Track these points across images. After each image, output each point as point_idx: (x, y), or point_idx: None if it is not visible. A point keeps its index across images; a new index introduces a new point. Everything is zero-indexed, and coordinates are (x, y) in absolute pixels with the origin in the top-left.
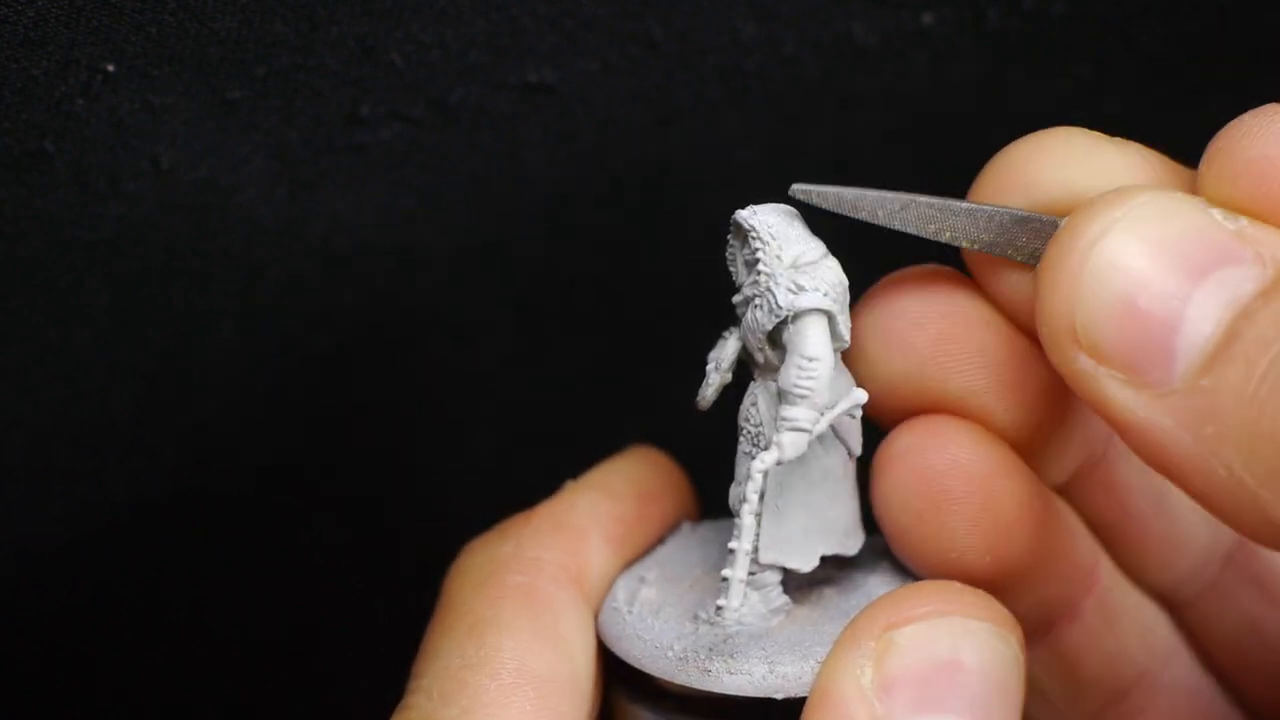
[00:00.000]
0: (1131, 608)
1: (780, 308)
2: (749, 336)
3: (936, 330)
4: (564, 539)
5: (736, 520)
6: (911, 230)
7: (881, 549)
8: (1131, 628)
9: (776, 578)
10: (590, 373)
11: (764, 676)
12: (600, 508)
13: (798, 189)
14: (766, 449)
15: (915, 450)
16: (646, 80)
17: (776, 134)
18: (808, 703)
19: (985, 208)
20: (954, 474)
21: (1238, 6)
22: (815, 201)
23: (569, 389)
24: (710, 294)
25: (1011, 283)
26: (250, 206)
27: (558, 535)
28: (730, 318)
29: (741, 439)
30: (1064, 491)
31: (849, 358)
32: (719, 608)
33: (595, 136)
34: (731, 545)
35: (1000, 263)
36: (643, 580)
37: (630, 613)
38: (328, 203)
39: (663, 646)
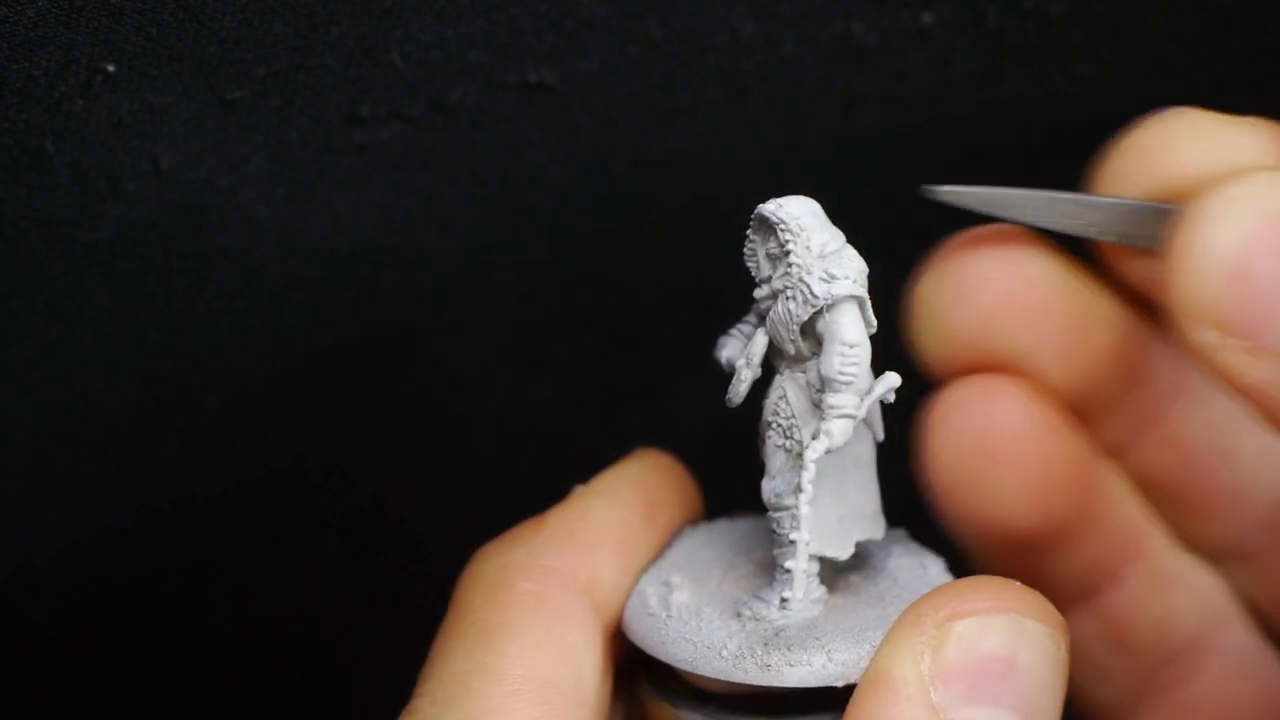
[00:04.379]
0: (1182, 573)
1: (816, 297)
2: (779, 329)
3: (1002, 288)
4: (576, 548)
5: (773, 514)
6: (1056, 228)
7: (892, 532)
8: (1181, 593)
9: (815, 567)
10: (590, 373)
11: (824, 665)
12: (611, 516)
13: (943, 191)
14: (815, 438)
15: (966, 407)
16: (646, 80)
17: (776, 134)
18: (862, 684)
19: (1126, 202)
20: (1003, 431)
21: (1238, 6)
22: (960, 203)
23: (569, 389)
24: (710, 293)
25: (1144, 270)
26: (250, 206)
27: (569, 544)
28: (732, 315)
29: (771, 433)
30: (1124, 451)
31: (912, 316)
32: (784, 600)
33: (595, 136)
34: (793, 536)
35: (1132, 251)
36: (670, 584)
37: (669, 617)
38: (327, 203)
39: (715, 646)
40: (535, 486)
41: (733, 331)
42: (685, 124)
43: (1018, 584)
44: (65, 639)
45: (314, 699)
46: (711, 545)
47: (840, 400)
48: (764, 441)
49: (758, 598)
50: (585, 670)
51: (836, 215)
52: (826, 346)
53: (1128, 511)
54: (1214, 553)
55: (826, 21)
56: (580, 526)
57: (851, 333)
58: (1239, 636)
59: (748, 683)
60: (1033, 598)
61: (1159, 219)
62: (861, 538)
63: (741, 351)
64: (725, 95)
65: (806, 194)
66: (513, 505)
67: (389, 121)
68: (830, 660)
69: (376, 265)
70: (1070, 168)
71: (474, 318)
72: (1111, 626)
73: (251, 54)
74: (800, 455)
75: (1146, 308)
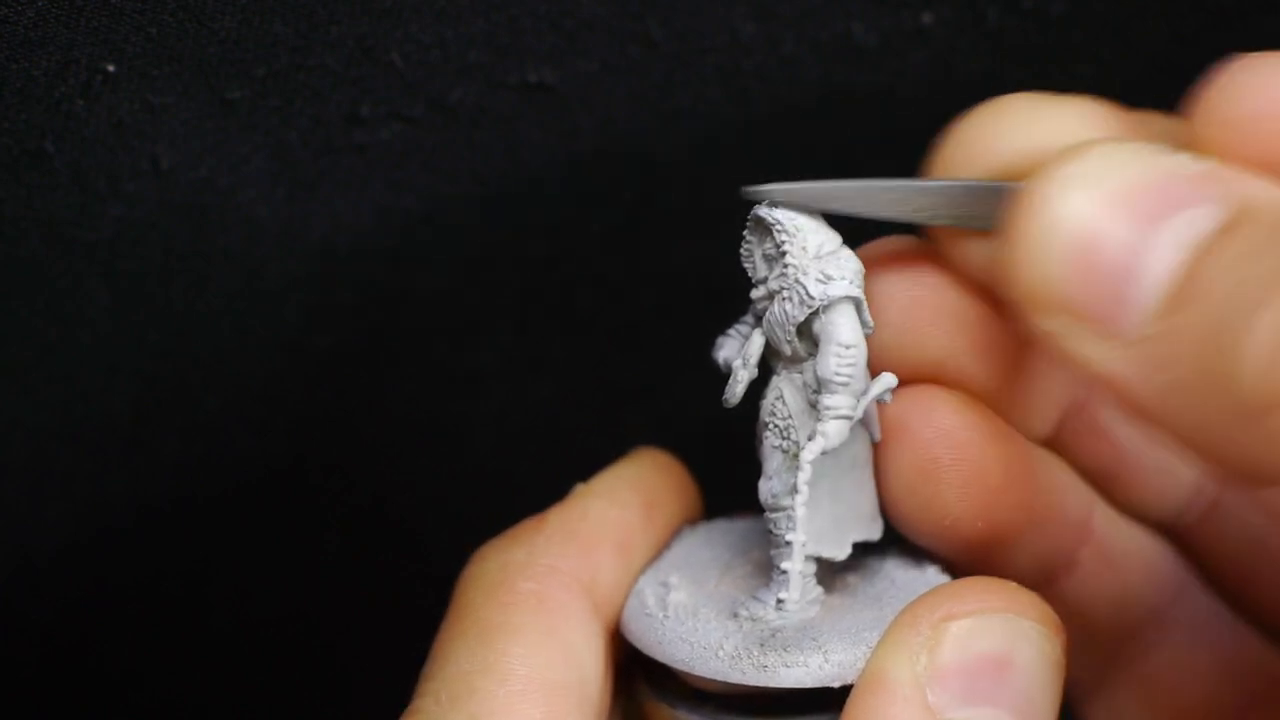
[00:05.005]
0: (1132, 549)
1: (812, 298)
2: (776, 330)
3: (905, 300)
4: (576, 548)
5: (770, 515)
6: (877, 215)
7: (890, 533)
8: (1134, 568)
9: (812, 568)
10: (590, 373)
11: (820, 666)
12: (610, 516)
13: (766, 190)
14: (811, 439)
15: (906, 419)
16: (646, 80)
17: (776, 134)
18: (858, 685)
19: (949, 182)
20: (940, 443)
21: (1238, 6)
22: (772, 199)
23: (569, 389)
24: (710, 294)
25: (980, 251)
26: (250, 206)
27: (570, 544)
28: (731, 315)
29: (769, 434)
30: (1053, 442)
31: None
32: (780, 601)
33: (595, 136)
34: (789, 538)
35: (967, 234)
36: (667, 585)
37: (666, 617)
38: (327, 203)
39: (711, 647)
40: (535, 486)
41: (730, 332)
42: (685, 124)
43: (1014, 584)
44: (65, 639)
45: (314, 699)
46: (710, 546)
47: (836, 401)
48: (761, 442)
49: (755, 598)
50: (587, 670)
51: (836, 215)
52: (823, 347)
53: (1073, 500)
54: (1158, 526)
55: (826, 21)
56: (581, 526)
57: (848, 334)
58: (1196, 604)
59: (744, 683)
60: (1028, 597)
61: (987, 196)
62: (859, 539)
63: (739, 352)
64: (725, 95)
65: None
66: (513, 505)
67: (389, 121)
68: (827, 661)
69: (376, 265)
70: None
71: (474, 318)
72: (1070, 610)
73: (251, 54)
74: (797, 456)
75: (989, 294)
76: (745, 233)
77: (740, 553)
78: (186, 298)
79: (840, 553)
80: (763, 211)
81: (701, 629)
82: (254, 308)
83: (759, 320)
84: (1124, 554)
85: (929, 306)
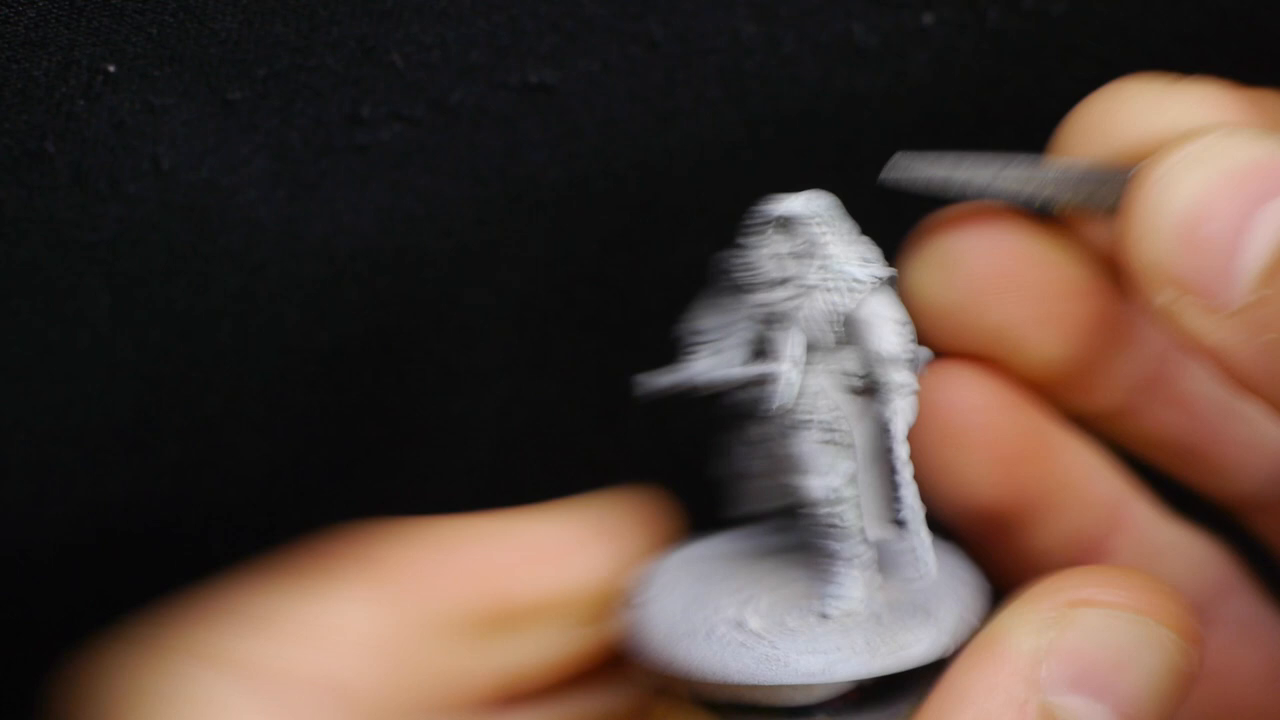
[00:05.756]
0: (1174, 544)
1: (862, 282)
2: (818, 324)
3: (982, 263)
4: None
5: (831, 510)
6: (1006, 197)
7: None
8: (1175, 564)
9: (873, 554)
10: (590, 373)
11: (937, 638)
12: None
13: (898, 164)
14: (892, 419)
15: (926, 389)
16: (646, 80)
17: (776, 134)
18: (972, 646)
19: (1076, 167)
20: (961, 413)
21: (1238, 6)
22: (911, 177)
23: (569, 389)
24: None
25: (1102, 233)
26: (251, 207)
27: (464, 529)
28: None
29: (810, 432)
30: (1126, 415)
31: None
32: (836, 597)
33: (595, 136)
34: (902, 515)
35: (1098, 216)
36: (740, 623)
37: (764, 638)
38: (328, 203)
39: (843, 648)
40: (535, 486)
41: (703, 351)
42: (685, 124)
43: (1157, 583)
44: (65, 639)
45: None
46: (731, 560)
47: (907, 377)
48: (792, 442)
49: (830, 596)
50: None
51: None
52: (878, 329)
53: (1104, 484)
54: (1231, 506)
55: (827, 21)
56: (493, 528)
57: (899, 309)
58: (1243, 604)
59: (884, 671)
60: (1170, 605)
61: (1113, 182)
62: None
63: (740, 361)
64: (725, 95)
65: (807, 194)
66: (513, 505)
67: (390, 122)
68: (941, 631)
69: (377, 265)
70: None
71: (474, 318)
72: None
73: (252, 54)
74: (850, 445)
75: (1116, 272)
76: (754, 237)
77: (731, 572)
78: (187, 298)
79: (886, 534)
80: (793, 209)
81: (817, 636)
82: (254, 308)
83: (766, 323)
84: (1166, 549)
85: (1007, 271)
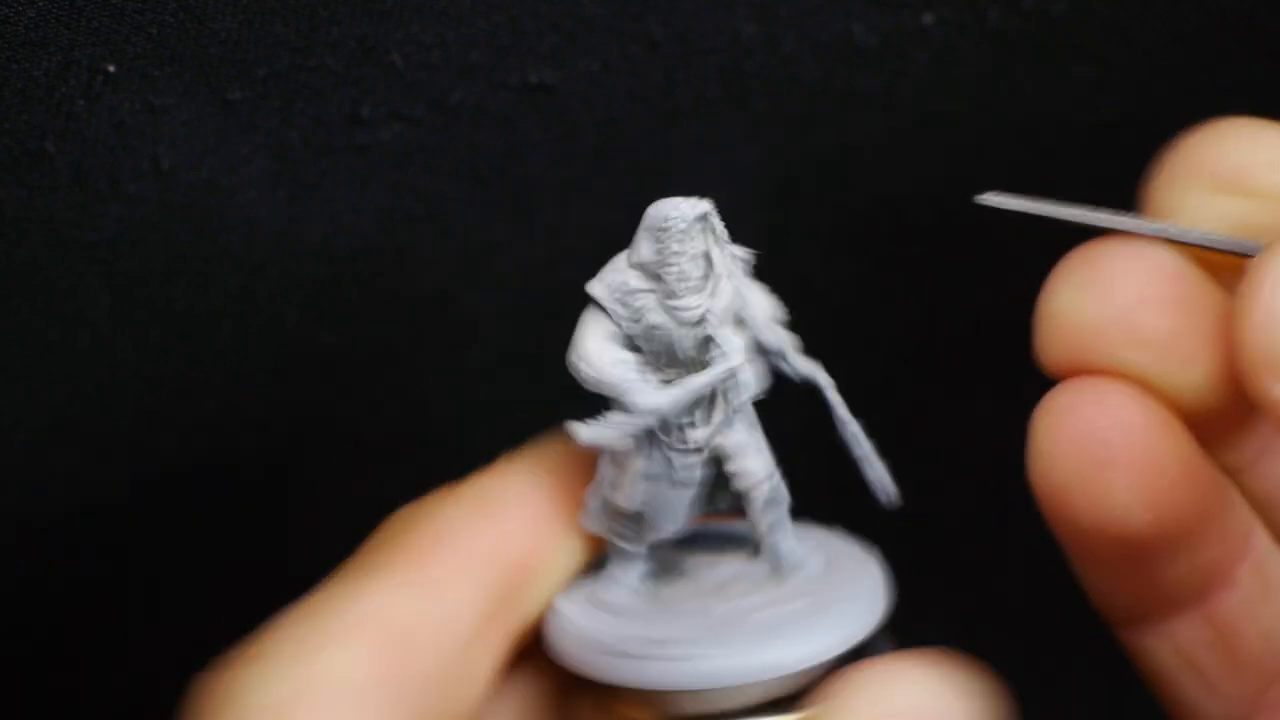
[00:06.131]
0: None
1: (747, 263)
2: (730, 312)
3: (1144, 279)
4: (483, 515)
5: (774, 485)
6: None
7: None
8: None
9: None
10: None
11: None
12: (528, 489)
13: (991, 199)
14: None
15: (1078, 407)
16: (646, 80)
17: (776, 134)
18: None
19: (1175, 228)
20: (1117, 431)
21: (1238, 6)
22: (1011, 207)
23: (569, 389)
24: None
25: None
26: (251, 207)
27: (479, 510)
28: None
29: (744, 415)
30: (1245, 471)
31: (1045, 314)
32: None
33: (595, 136)
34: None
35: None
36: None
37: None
38: (328, 203)
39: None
40: None
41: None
42: (685, 124)
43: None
44: (65, 639)
45: None
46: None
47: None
48: (731, 432)
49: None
50: (456, 626)
51: (836, 215)
52: (762, 307)
53: (1240, 512)
54: None
55: (827, 21)
56: (493, 492)
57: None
58: None
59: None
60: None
61: (1228, 248)
62: None
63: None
64: (725, 95)
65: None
66: None
67: (390, 122)
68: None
69: (377, 265)
70: (1071, 168)
71: (474, 318)
72: (1221, 633)
73: (252, 54)
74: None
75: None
76: (684, 238)
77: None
78: (187, 298)
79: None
80: (705, 207)
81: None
82: (254, 308)
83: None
84: None
85: (1164, 294)
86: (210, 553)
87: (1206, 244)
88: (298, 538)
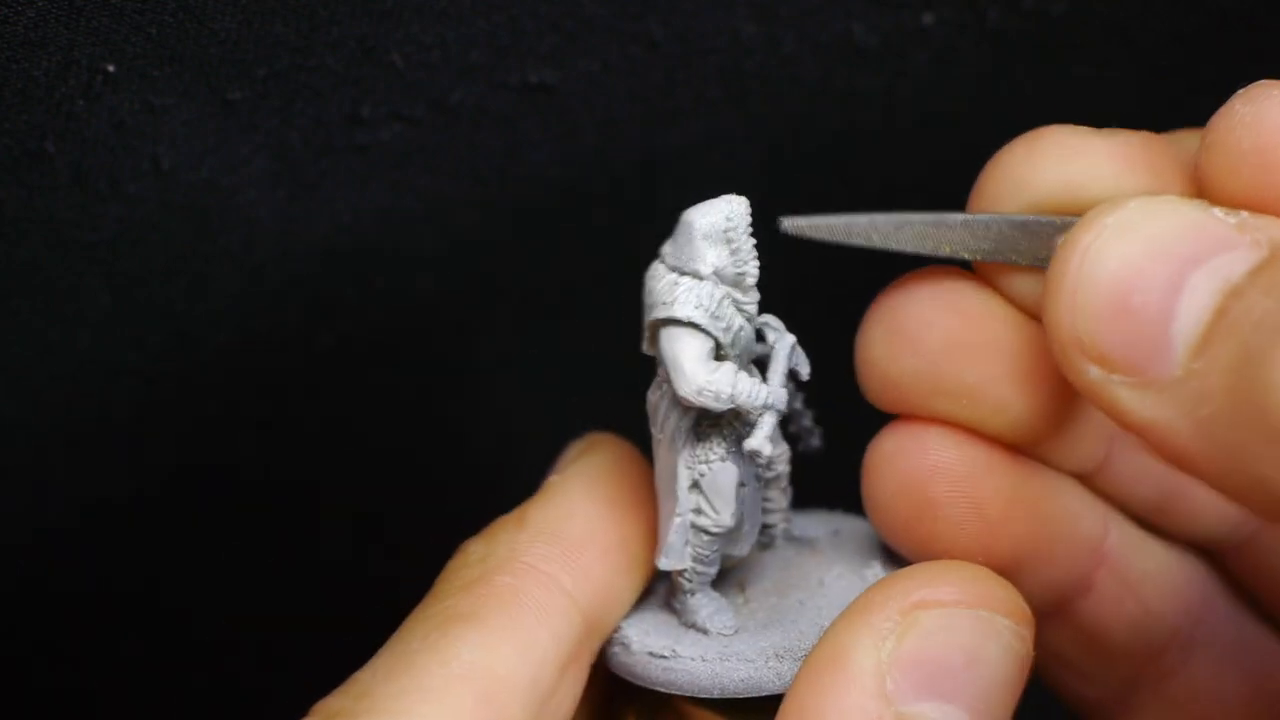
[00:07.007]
0: (1152, 570)
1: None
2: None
3: (948, 327)
4: (560, 550)
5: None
6: (909, 249)
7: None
8: (1154, 590)
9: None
10: (590, 373)
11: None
12: (594, 516)
13: (788, 224)
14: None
15: (899, 455)
16: (646, 80)
17: (776, 134)
18: (813, 660)
19: (980, 217)
20: (937, 478)
21: (1238, 6)
22: (808, 234)
23: (569, 389)
24: None
25: (1017, 285)
26: (251, 207)
27: (554, 545)
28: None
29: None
30: (1096, 473)
31: (860, 363)
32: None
33: (595, 136)
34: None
35: (1004, 268)
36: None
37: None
38: (328, 203)
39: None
40: (535, 486)
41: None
42: (685, 124)
43: (987, 572)
44: (64, 639)
45: (313, 699)
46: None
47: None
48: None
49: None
50: (545, 671)
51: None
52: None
53: (1087, 522)
54: (1203, 548)
55: (827, 21)
56: (564, 526)
57: None
58: (1224, 625)
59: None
60: (1003, 591)
61: (1017, 232)
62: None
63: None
64: (725, 95)
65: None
66: (512, 505)
67: (390, 122)
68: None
69: (377, 265)
70: None
71: (474, 318)
72: (1087, 633)
73: (252, 54)
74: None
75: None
76: (747, 239)
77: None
78: (187, 298)
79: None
80: (745, 200)
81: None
82: (254, 308)
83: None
84: (1143, 576)
85: (971, 335)
86: (210, 553)
87: (1006, 224)
88: (298, 537)
